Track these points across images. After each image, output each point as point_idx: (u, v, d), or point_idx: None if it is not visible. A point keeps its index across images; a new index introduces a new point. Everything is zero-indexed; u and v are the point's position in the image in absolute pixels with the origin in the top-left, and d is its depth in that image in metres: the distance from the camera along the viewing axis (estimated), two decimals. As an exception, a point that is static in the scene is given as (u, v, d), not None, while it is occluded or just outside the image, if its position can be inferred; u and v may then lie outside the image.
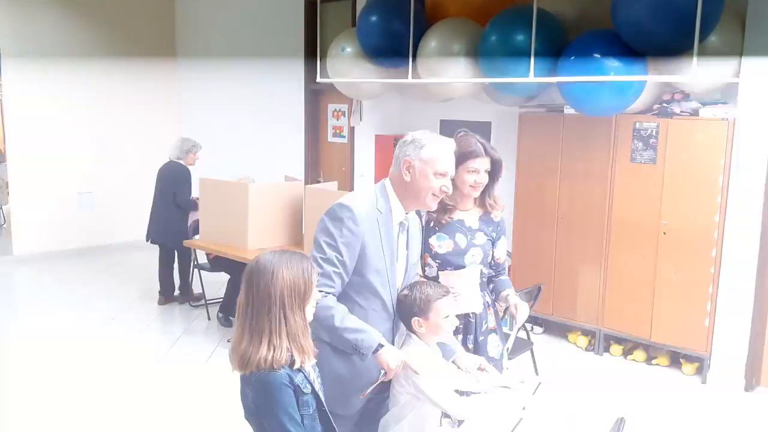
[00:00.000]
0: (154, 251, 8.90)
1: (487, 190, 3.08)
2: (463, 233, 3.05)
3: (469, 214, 3.09)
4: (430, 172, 2.53)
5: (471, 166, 2.97)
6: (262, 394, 1.98)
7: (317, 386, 2.12)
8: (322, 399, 2.13)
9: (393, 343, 2.58)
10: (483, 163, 2.99)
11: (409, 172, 2.54)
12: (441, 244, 3.04)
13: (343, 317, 2.39)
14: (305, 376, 2.05)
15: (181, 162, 6.56)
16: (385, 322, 2.57)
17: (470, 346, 3.06)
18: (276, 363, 1.96)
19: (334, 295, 2.43)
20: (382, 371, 2.44)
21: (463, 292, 2.94)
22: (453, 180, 3.01)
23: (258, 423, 2.04)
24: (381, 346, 2.40)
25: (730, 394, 4.89)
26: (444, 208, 3.03)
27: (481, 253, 3.05)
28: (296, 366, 2.01)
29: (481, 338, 3.09)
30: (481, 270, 3.08)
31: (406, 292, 2.60)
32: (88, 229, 8.74)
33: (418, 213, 3.12)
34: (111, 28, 8.69)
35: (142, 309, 6.55)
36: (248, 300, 2.02)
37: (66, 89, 8.40)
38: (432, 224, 3.07)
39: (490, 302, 3.15)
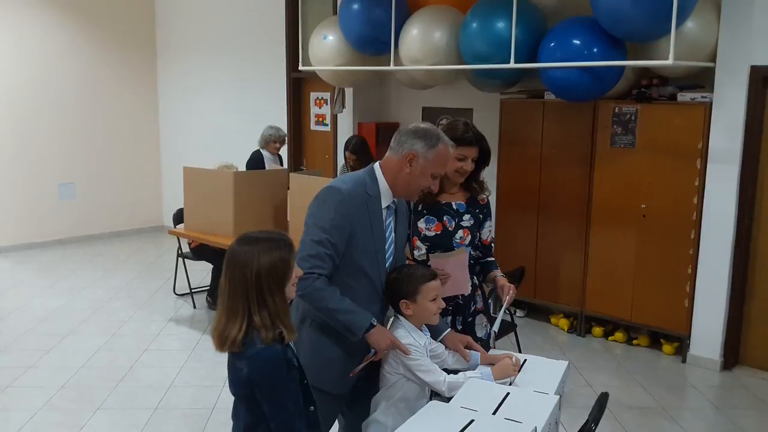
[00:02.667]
0: (137, 241, 8.93)
1: (472, 176, 3.13)
2: (450, 215, 3.09)
3: (455, 197, 3.14)
4: (429, 172, 2.56)
5: (459, 152, 3.01)
6: (260, 369, 2.03)
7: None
8: (305, 372, 2.19)
9: (383, 324, 2.64)
10: (471, 152, 3.02)
11: (411, 165, 2.55)
12: (429, 226, 3.08)
13: (335, 299, 2.45)
14: (292, 351, 2.13)
15: (263, 150, 6.66)
16: (374, 302, 2.62)
17: (459, 327, 3.12)
18: (264, 341, 2.03)
19: (326, 276, 2.47)
20: (372, 350, 2.51)
21: (452, 274, 2.99)
22: None
23: (249, 396, 2.08)
24: (372, 326, 2.47)
25: (709, 372, 5.02)
26: (430, 190, 3.09)
27: (468, 234, 3.11)
28: (285, 342, 2.08)
29: (469, 319, 3.15)
30: (469, 252, 3.14)
31: (394, 274, 2.65)
32: (70, 219, 8.71)
33: None
34: (90, 18, 8.62)
35: (127, 298, 6.55)
36: (227, 282, 2.08)
37: (45, 79, 8.33)
38: (420, 207, 3.11)
39: (477, 283, 3.20)
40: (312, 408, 2.19)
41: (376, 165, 2.64)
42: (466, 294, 3.11)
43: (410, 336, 2.61)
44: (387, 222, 2.65)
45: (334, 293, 2.46)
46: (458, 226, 3.09)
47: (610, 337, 5.62)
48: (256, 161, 6.63)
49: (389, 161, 2.61)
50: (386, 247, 2.65)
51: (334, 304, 2.45)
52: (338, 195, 2.50)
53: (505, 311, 3.02)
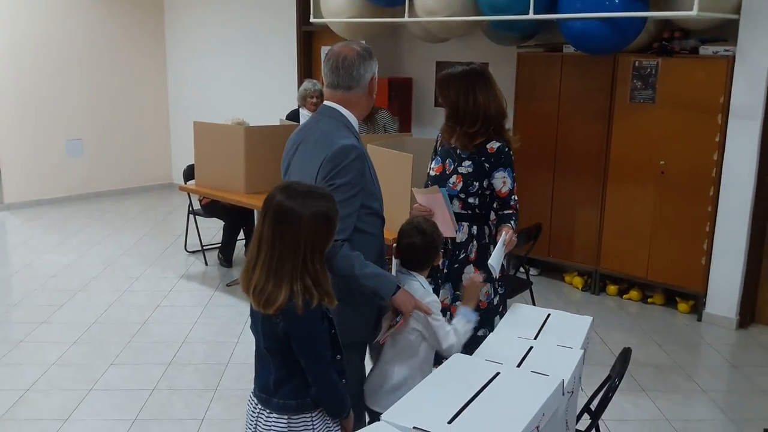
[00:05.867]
0: (146, 198, 8.89)
1: (499, 121, 3.14)
2: (452, 158, 3.12)
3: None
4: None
5: None
6: (297, 322, 1.96)
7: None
8: (333, 322, 2.14)
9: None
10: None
11: (375, 87, 2.53)
12: (434, 166, 3.18)
13: (361, 264, 2.36)
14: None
15: (301, 109, 6.30)
16: (381, 243, 2.58)
17: (445, 270, 3.13)
18: (306, 307, 1.95)
19: (348, 240, 2.36)
20: (399, 316, 2.45)
21: (435, 213, 2.96)
22: None
23: (283, 350, 2.02)
24: (398, 288, 2.42)
25: (725, 330, 4.98)
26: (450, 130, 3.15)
27: (461, 181, 3.07)
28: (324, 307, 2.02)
29: (456, 266, 3.13)
30: (468, 201, 3.09)
31: (429, 225, 2.58)
32: (78, 176, 8.66)
33: (437, 137, 3.24)
34: (94, -30, 8.46)
35: (138, 255, 6.52)
36: (272, 241, 1.97)
37: (52, 34, 8.19)
38: (439, 149, 3.21)
39: (475, 234, 3.14)
40: (339, 357, 2.15)
41: (336, 105, 2.49)
42: (454, 239, 3.09)
43: (430, 293, 2.55)
44: None
45: (358, 258, 2.37)
46: (454, 171, 3.09)
47: (624, 296, 5.57)
48: (291, 119, 6.35)
49: (352, 98, 2.48)
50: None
51: (361, 270, 2.36)
52: (354, 152, 2.38)
53: (503, 247, 2.94)
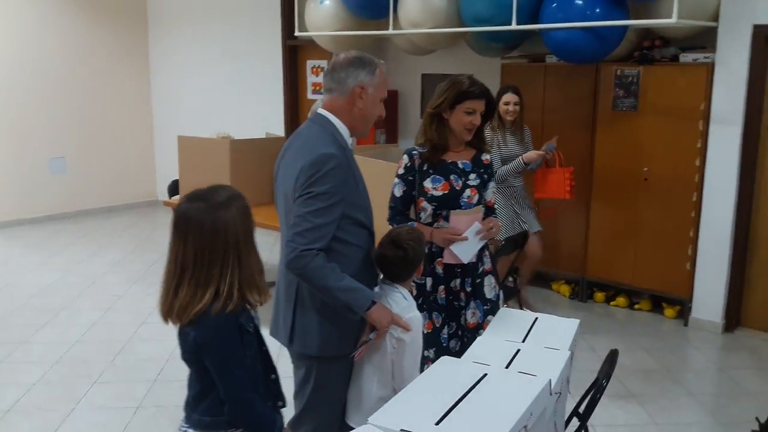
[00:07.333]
0: (131, 216, 8.82)
1: (477, 131, 3.07)
2: (457, 174, 3.03)
3: (460, 155, 3.07)
4: (379, 98, 2.46)
5: (469, 106, 2.95)
6: (207, 333, 1.90)
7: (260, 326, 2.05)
8: (264, 339, 2.07)
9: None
10: (479, 105, 2.98)
11: (362, 98, 2.42)
12: (436, 186, 3.01)
13: (335, 276, 2.29)
14: (249, 315, 1.98)
15: None
16: (366, 254, 2.50)
17: (468, 289, 3.07)
18: (222, 310, 1.88)
19: (324, 249, 2.30)
20: (374, 332, 2.39)
21: (469, 237, 2.94)
22: (446, 120, 3.00)
23: (198, 363, 1.96)
24: (373, 303, 2.35)
25: (711, 335, 4.99)
26: (435, 148, 3.02)
27: (476, 194, 3.04)
28: (255, 305, 1.94)
29: (477, 281, 3.09)
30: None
31: (410, 239, 2.51)
32: (61, 194, 8.58)
33: (410, 156, 3.07)
34: (77, -12, 8.44)
35: (123, 273, 6.46)
36: (196, 252, 1.89)
37: (34, 51, 8.15)
38: (426, 167, 3.03)
39: (485, 244, 3.14)
40: (273, 376, 2.08)
41: (327, 113, 2.46)
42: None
43: (413, 308, 2.48)
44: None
45: (333, 270, 2.30)
46: (465, 186, 3.03)
47: (611, 302, 5.59)
48: None
49: (335, 103, 2.44)
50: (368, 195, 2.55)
51: (335, 282, 2.29)
52: (333, 161, 2.32)
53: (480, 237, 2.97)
